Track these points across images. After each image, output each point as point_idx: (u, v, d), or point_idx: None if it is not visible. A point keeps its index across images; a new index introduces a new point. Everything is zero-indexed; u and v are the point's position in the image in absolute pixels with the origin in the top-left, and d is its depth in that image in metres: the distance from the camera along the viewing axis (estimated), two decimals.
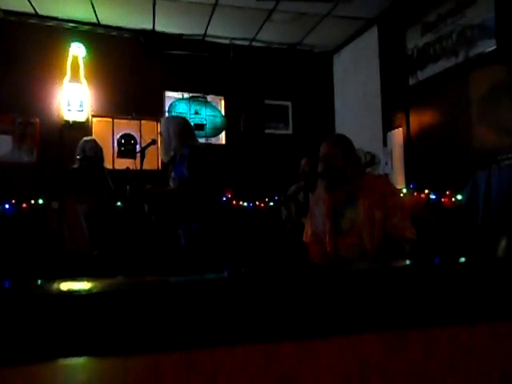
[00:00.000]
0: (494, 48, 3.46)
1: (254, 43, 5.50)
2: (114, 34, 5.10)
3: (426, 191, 4.00)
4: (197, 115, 5.38)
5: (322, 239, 2.20)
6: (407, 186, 4.32)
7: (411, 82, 4.40)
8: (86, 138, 3.98)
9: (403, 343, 0.77)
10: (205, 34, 5.28)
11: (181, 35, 5.27)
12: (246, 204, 5.24)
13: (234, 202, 5.16)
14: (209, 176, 2.68)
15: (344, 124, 5.54)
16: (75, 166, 3.82)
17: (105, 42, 5.07)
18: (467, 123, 3.75)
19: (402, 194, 4.21)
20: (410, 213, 2.10)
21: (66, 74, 4.83)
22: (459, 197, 3.63)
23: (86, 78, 4.90)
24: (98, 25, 5.00)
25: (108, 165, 4.52)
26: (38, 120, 4.76)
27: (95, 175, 3.78)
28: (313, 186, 2.38)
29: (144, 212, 2.82)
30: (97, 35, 5.04)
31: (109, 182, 3.84)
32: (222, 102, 5.55)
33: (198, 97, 5.43)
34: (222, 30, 5.19)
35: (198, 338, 0.69)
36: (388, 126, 4.77)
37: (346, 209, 2.09)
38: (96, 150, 3.85)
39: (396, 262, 1.83)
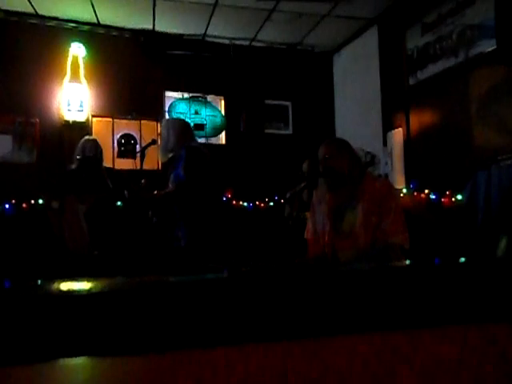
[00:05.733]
0: (493, 48, 3.46)
1: (254, 43, 5.50)
2: (114, 33, 5.10)
3: (426, 191, 4.00)
4: (197, 115, 5.37)
5: (320, 238, 2.20)
6: (407, 186, 4.32)
7: (411, 81, 4.40)
8: (86, 138, 3.97)
9: (403, 343, 0.77)
10: (205, 34, 5.28)
11: (181, 35, 5.27)
12: (246, 204, 5.24)
13: (234, 202, 5.16)
14: (205, 176, 2.68)
15: (344, 124, 5.54)
16: (73, 166, 3.81)
17: (105, 42, 5.07)
18: (467, 123, 3.75)
19: (401, 195, 4.22)
20: (404, 218, 2.06)
21: (65, 74, 4.83)
22: (459, 197, 3.64)
23: (86, 78, 4.90)
24: (98, 25, 5.00)
25: (108, 165, 4.52)
26: (38, 120, 4.76)
27: (93, 175, 3.77)
28: (315, 185, 2.38)
29: (147, 215, 2.83)
30: (97, 35, 5.04)
31: (107, 183, 3.83)
32: (222, 101, 5.55)
33: (198, 97, 5.43)
34: (222, 30, 5.19)
35: (197, 338, 0.69)
36: (388, 126, 4.77)
37: (346, 212, 2.10)
38: (96, 150, 3.84)
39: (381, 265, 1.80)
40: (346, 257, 2.06)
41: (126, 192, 2.66)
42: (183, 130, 2.85)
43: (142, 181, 2.72)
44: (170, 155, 2.79)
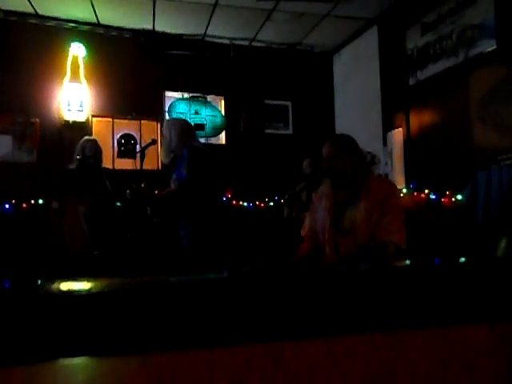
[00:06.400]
0: (493, 48, 3.46)
1: (254, 43, 5.50)
2: (114, 34, 5.10)
3: (426, 191, 4.00)
4: (197, 115, 5.38)
5: (318, 235, 2.20)
6: (407, 186, 4.32)
7: (411, 81, 4.40)
8: (86, 138, 3.98)
9: (403, 343, 0.77)
10: (205, 34, 5.28)
11: (181, 35, 5.27)
12: (245, 204, 5.24)
13: (234, 202, 5.16)
14: (207, 176, 2.68)
15: (344, 124, 5.54)
16: (72, 166, 3.81)
17: (105, 42, 5.07)
18: (467, 123, 3.75)
19: (401, 195, 4.22)
20: (404, 218, 2.05)
21: (65, 73, 4.83)
22: (459, 197, 3.64)
23: (86, 78, 4.90)
24: (98, 25, 5.00)
25: (108, 165, 4.52)
26: (38, 120, 4.76)
27: (92, 176, 3.77)
28: (315, 187, 2.38)
29: (146, 214, 2.83)
30: (97, 35, 5.04)
31: (106, 184, 3.83)
32: (222, 101, 5.55)
33: (198, 97, 5.43)
34: (222, 30, 5.19)
35: (197, 338, 0.69)
36: (388, 125, 4.77)
37: (347, 209, 2.09)
38: (95, 150, 3.85)
39: (374, 264, 1.79)
40: (346, 254, 2.05)
41: (127, 191, 2.66)
42: (185, 130, 2.85)
43: (143, 185, 2.72)
44: (172, 155, 2.80)
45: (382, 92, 4.88)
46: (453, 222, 3.65)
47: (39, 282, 0.87)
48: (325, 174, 2.16)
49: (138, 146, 5.00)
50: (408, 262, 1.97)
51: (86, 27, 4.99)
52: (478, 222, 3.37)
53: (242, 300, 0.74)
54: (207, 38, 5.37)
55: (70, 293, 0.75)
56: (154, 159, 4.77)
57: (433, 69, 4.11)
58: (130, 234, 3.68)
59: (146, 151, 2.88)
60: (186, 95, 5.41)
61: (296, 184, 3.97)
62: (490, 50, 3.49)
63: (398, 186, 4.36)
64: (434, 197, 3.91)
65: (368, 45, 5.13)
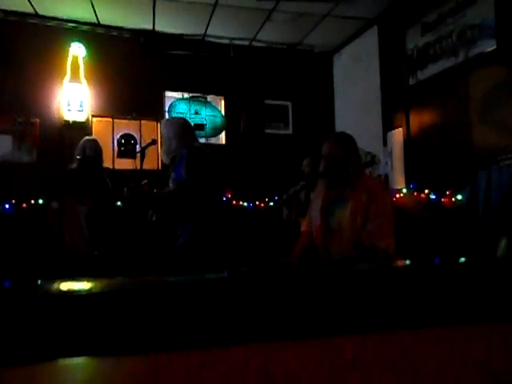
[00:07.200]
0: (494, 48, 3.46)
1: (254, 43, 5.50)
2: (114, 33, 5.11)
3: (426, 191, 4.00)
4: (197, 115, 5.38)
5: (312, 233, 2.23)
6: (407, 186, 4.32)
7: (411, 82, 4.40)
8: (86, 138, 3.97)
9: (403, 343, 0.77)
10: (205, 34, 5.28)
11: (181, 35, 5.27)
12: (246, 204, 5.24)
13: (234, 202, 5.16)
14: (207, 176, 2.68)
15: (344, 124, 5.54)
16: (73, 166, 3.81)
17: (105, 42, 5.07)
18: (467, 123, 3.75)
19: (401, 195, 4.21)
20: (393, 223, 2.04)
21: (65, 73, 4.83)
22: (459, 197, 3.64)
23: (86, 78, 4.90)
24: (98, 25, 5.00)
25: (108, 165, 4.52)
26: (38, 120, 4.76)
27: (93, 176, 3.77)
28: (313, 186, 2.39)
29: (147, 214, 2.82)
30: (97, 35, 5.04)
31: (107, 183, 3.83)
32: (222, 101, 5.55)
33: (198, 97, 5.43)
34: (221, 30, 5.19)
35: (197, 338, 0.69)
36: (388, 126, 4.77)
37: (336, 208, 2.10)
38: (96, 149, 3.84)
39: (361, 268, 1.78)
40: (337, 253, 2.07)
41: (125, 189, 2.66)
42: (184, 130, 2.85)
43: (143, 182, 2.72)
44: (172, 154, 2.79)
45: (382, 92, 4.88)
46: (453, 222, 3.65)
47: (39, 281, 0.88)
48: (325, 173, 2.15)
49: (137, 146, 5.01)
50: (408, 262, 1.96)
51: (85, 27, 4.99)
52: (478, 221, 3.37)
53: (241, 300, 0.74)
54: (207, 38, 5.37)
55: (70, 293, 0.75)
56: (154, 159, 4.77)
57: (433, 69, 4.11)
58: (130, 232, 3.68)
59: (145, 151, 2.87)
60: (186, 95, 5.41)
61: (295, 184, 3.97)
62: (490, 49, 3.49)
63: (398, 186, 4.36)
64: (434, 197, 3.91)
65: (368, 45, 5.13)
